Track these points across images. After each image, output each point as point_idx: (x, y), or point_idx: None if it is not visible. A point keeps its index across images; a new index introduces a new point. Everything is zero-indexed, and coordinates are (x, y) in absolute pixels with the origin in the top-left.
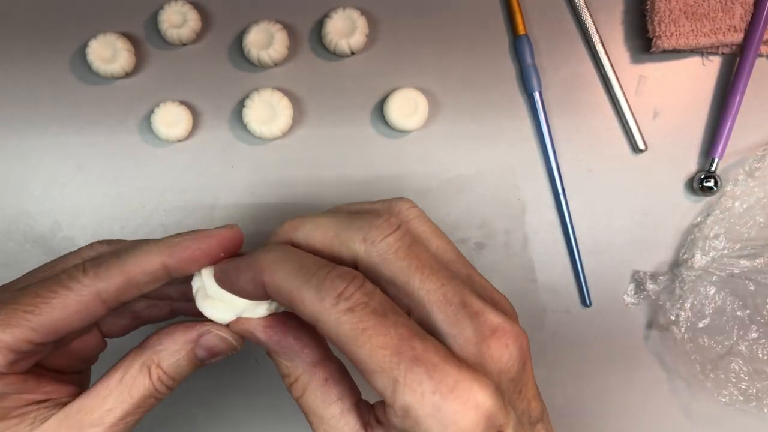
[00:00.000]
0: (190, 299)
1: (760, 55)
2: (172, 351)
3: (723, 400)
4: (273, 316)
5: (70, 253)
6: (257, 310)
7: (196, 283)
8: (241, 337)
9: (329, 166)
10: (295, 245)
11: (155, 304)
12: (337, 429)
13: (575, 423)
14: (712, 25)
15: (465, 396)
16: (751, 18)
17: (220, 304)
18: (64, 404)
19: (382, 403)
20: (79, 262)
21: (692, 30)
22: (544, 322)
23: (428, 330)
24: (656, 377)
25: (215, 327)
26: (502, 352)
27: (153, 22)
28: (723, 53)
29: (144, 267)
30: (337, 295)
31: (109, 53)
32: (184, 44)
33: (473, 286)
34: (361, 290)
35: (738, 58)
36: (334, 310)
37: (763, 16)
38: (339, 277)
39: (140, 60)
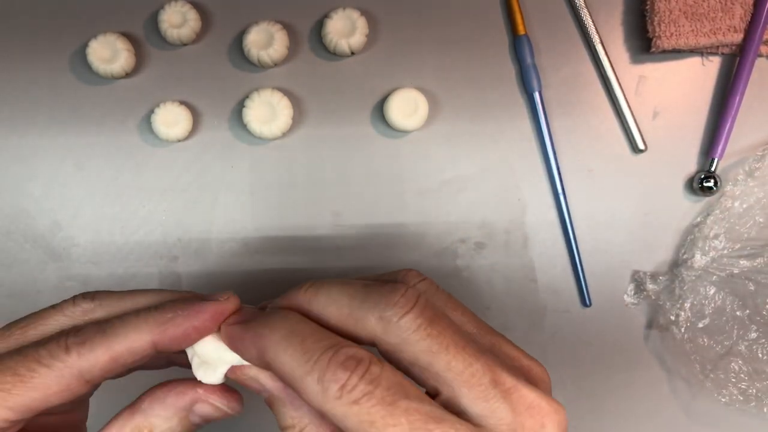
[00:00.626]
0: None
1: (760, 55)
2: (164, 418)
3: (723, 400)
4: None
5: (52, 308)
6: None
7: (190, 352)
8: (238, 402)
9: (329, 166)
10: (308, 316)
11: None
12: None
13: (575, 423)
14: (712, 25)
15: None
16: (751, 18)
17: (219, 366)
18: None
19: None
20: (60, 324)
21: (692, 30)
22: (544, 322)
23: (458, 411)
24: (656, 377)
25: (209, 395)
26: None
27: (153, 22)
28: (723, 53)
29: (132, 345)
30: (339, 387)
31: (109, 53)
32: (184, 44)
33: (502, 357)
34: (366, 378)
35: (738, 58)
36: (338, 403)
37: (763, 16)
38: (341, 366)
39: (140, 60)
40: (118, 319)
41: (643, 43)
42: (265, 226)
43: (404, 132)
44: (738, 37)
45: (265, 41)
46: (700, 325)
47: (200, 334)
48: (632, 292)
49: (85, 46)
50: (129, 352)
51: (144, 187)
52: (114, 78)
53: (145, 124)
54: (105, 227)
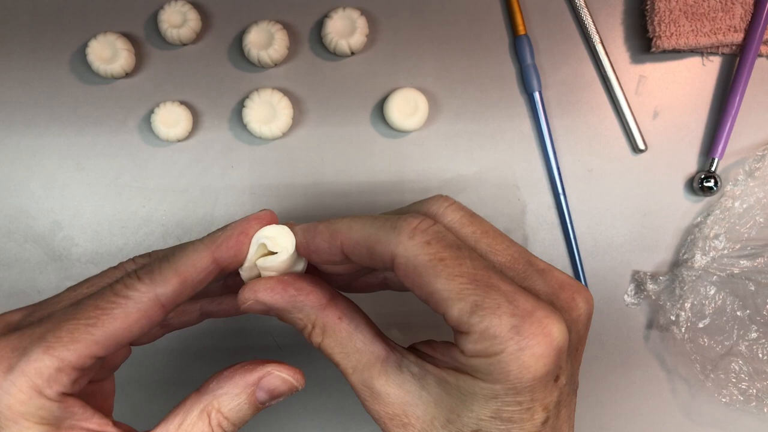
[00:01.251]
0: (220, 296)
1: (760, 55)
2: (232, 395)
3: (723, 400)
4: (273, 278)
5: (111, 268)
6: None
7: (244, 272)
8: (302, 375)
9: (329, 166)
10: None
11: (184, 311)
12: (363, 359)
13: (575, 423)
14: (712, 25)
15: (542, 323)
16: (751, 18)
17: (280, 253)
18: None
19: (428, 342)
20: (124, 274)
21: (692, 30)
22: None
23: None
24: (656, 377)
25: (276, 368)
26: (571, 305)
27: (153, 22)
28: (723, 53)
29: (196, 265)
30: (412, 228)
31: (109, 53)
32: (184, 44)
33: (534, 284)
34: (435, 226)
35: (738, 58)
36: (411, 242)
37: (763, 16)
38: (413, 216)
39: (140, 60)
40: (177, 247)
41: (643, 43)
42: None
43: (404, 132)
44: (738, 37)
45: (265, 41)
46: (701, 325)
47: (249, 238)
48: (632, 292)
49: (85, 46)
50: (195, 270)
51: (144, 187)
52: (114, 78)
53: (145, 124)
54: (105, 227)
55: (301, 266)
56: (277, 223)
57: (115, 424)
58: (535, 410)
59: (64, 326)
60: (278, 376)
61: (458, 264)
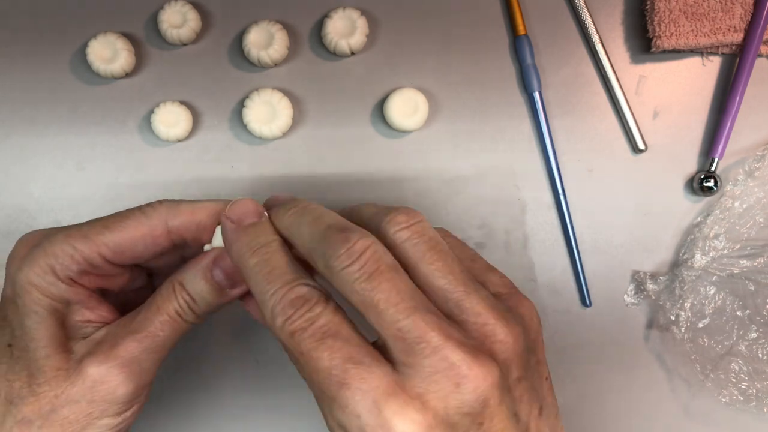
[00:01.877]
0: None
1: (760, 55)
2: (193, 272)
3: (723, 400)
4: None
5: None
6: None
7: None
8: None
9: (329, 166)
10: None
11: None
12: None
13: (575, 423)
14: (712, 25)
15: (391, 410)
16: (751, 18)
17: None
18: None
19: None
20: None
21: (692, 30)
22: (544, 322)
23: (387, 356)
24: (656, 377)
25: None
26: (493, 341)
27: (153, 22)
28: (723, 53)
29: (209, 211)
30: (284, 319)
31: (109, 53)
32: (184, 44)
33: (460, 314)
34: (305, 316)
35: (738, 58)
36: (281, 331)
37: (763, 16)
38: (289, 303)
39: (140, 60)
40: (203, 200)
41: (643, 43)
42: None
43: (404, 132)
44: (738, 37)
45: (265, 41)
46: (701, 325)
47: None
48: (632, 292)
49: (85, 46)
50: (205, 215)
51: (144, 187)
52: (114, 78)
53: (145, 124)
54: None
55: None
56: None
57: (117, 317)
58: None
59: (86, 226)
60: (227, 257)
61: (317, 358)
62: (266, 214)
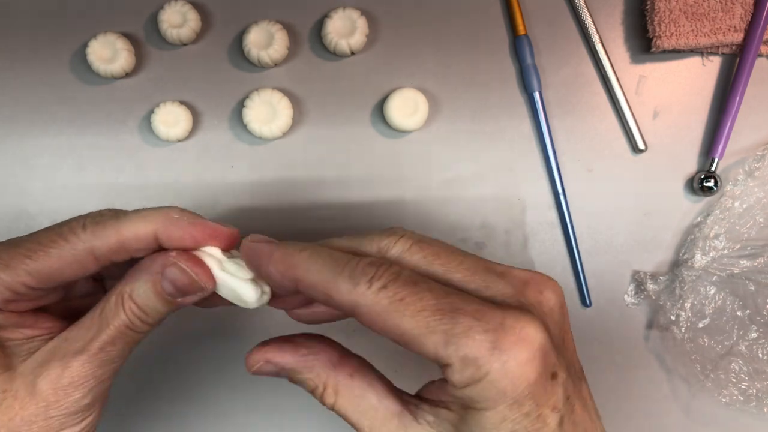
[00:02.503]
0: None
1: (760, 55)
2: (141, 283)
3: (723, 400)
4: (282, 338)
5: (80, 215)
6: (248, 292)
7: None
8: (207, 275)
9: (329, 166)
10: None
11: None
12: (379, 416)
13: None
14: (712, 25)
15: (516, 329)
16: (751, 18)
17: (240, 285)
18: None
19: (433, 383)
20: (76, 220)
21: (692, 30)
22: None
23: None
24: (656, 377)
25: (181, 259)
26: (540, 299)
27: (153, 22)
28: (723, 53)
29: (137, 233)
30: (369, 279)
31: (109, 53)
32: (184, 44)
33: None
34: (390, 270)
35: (738, 58)
36: (369, 292)
37: (763, 16)
38: (369, 265)
39: (140, 60)
40: (133, 211)
41: (643, 43)
42: (265, 226)
43: (404, 132)
44: (738, 37)
45: (265, 41)
46: (701, 325)
47: (195, 243)
48: (632, 292)
49: (85, 46)
50: (135, 239)
51: (144, 187)
52: (114, 78)
53: (145, 124)
54: None
55: (267, 290)
56: (235, 244)
57: (62, 326)
58: (545, 415)
59: (6, 253)
60: (179, 267)
61: (419, 299)
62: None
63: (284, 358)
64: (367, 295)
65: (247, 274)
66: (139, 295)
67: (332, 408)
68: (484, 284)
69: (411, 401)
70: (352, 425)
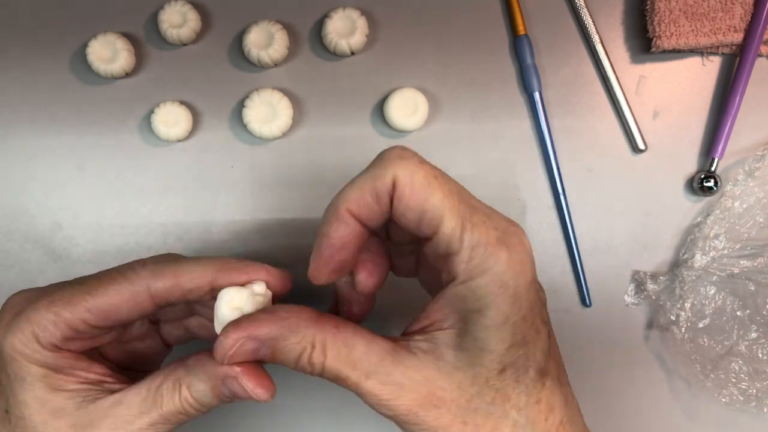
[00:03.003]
0: None
1: (760, 55)
2: (200, 379)
3: (723, 400)
4: (255, 312)
5: (143, 258)
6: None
7: (217, 311)
8: (268, 391)
9: (329, 166)
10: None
11: (205, 326)
12: (373, 359)
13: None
14: (712, 25)
15: (517, 235)
16: (751, 18)
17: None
18: (114, 392)
19: (416, 319)
20: (138, 262)
21: (692, 30)
22: None
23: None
24: (656, 377)
25: (242, 375)
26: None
27: (153, 22)
28: (723, 53)
29: (195, 279)
30: (412, 152)
31: (109, 53)
32: (184, 44)
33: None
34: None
35: (738, 58)
36: (409, 162)
37: (763, 16)
38: (401, 147)
39: (140, 60)
40: (194, 257)
41: (643, 43)
42: (265, 227)
43: (404, 132)
44: (738, 37)
45: (265, 41)
46: (701, 325)
47: (248, 279)
48: (632, 292)
49: (85, 46)
50: (190, 281)
51: (144, 187)
52: (114, 78)
53: (145, 124)
54: (105, 227)
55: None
56: (290, 288)
57: (114, 374)
58: (539, 325)
59: (69, 290)
60: (239, 385)
61: (448, 182)
62: (269, 292)
63: (265, 327)
64: (407, 165)
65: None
66: (196, 391)
67: (322, 372)
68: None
69: (399, 339)
70: (346, 382)
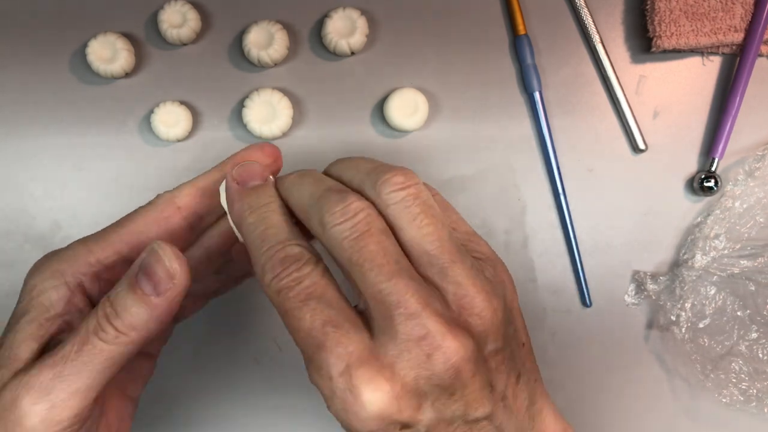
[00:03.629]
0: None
1: (760, 55)
2: (120, 283)
3: (723, 400)
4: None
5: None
6: None
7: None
8: (187, 271)
9: None
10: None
11: (220, 280)
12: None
13: (575, 423)
14: (712, 25)
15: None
16: (751, 18)
17: None
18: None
19: None
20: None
21: (692, 30)
22: (544, 322)
23: (367, 317)
24: (656, 377)
25: (161, 247)
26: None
27: (153, 22)
28: (723, 53)
29: (209, 177)
30: (272, 277)
31: (109, 53)
32: (184, 44)
33: (440, 284)
34: (292, 276)
35: (738, 58)
36: (269, 288)
37: (763, 16)
38: (279, 261)
39: (140, 60)
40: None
41: (644, 42)
42: None
43: (404, 132)
44: (738, 37)
45: (265, 41)
46: (701, 325)
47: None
48: (633, 292)
49: (85, 46)
50: (212, 183)
51: (144, 187)
52: (114, 78)
53: (145, 124)
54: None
55: None
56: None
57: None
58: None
59: (103, 230)
60: (154, 254)
61: (298, 318)
62: (271, 178)
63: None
64: (267, 290)
65: None
66: (116, 297)
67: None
68: (383, 319)
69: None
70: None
